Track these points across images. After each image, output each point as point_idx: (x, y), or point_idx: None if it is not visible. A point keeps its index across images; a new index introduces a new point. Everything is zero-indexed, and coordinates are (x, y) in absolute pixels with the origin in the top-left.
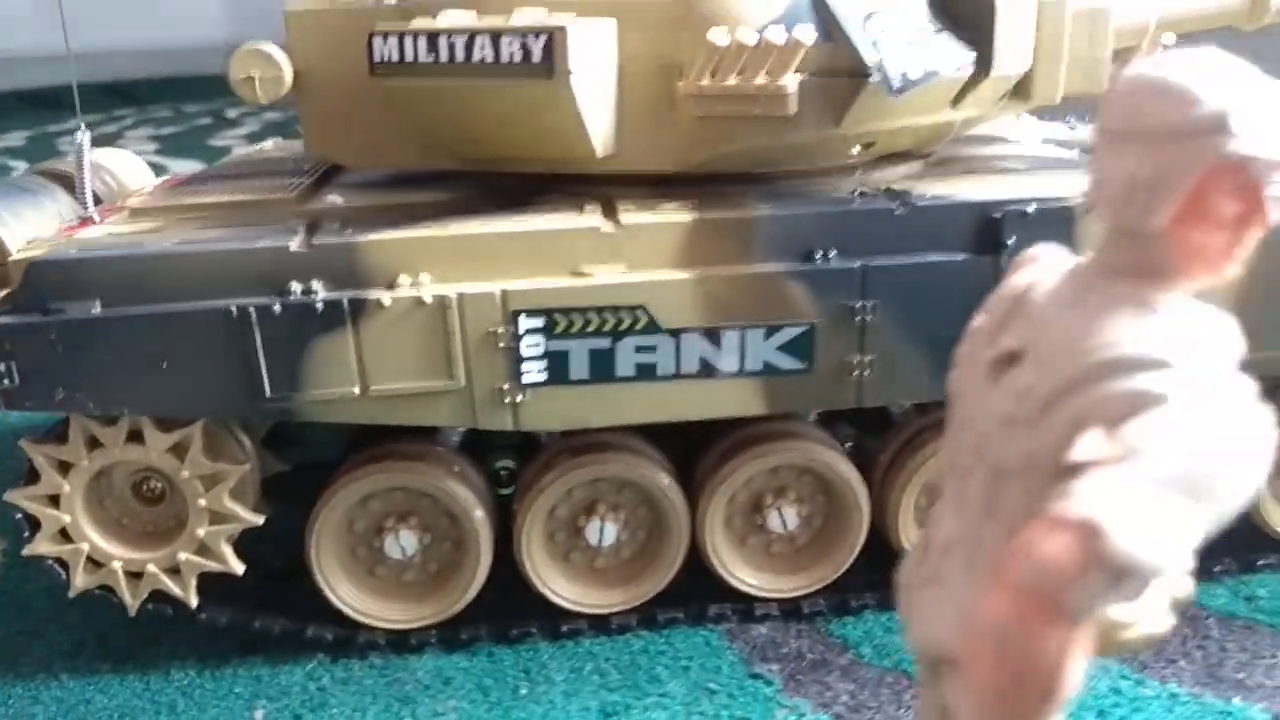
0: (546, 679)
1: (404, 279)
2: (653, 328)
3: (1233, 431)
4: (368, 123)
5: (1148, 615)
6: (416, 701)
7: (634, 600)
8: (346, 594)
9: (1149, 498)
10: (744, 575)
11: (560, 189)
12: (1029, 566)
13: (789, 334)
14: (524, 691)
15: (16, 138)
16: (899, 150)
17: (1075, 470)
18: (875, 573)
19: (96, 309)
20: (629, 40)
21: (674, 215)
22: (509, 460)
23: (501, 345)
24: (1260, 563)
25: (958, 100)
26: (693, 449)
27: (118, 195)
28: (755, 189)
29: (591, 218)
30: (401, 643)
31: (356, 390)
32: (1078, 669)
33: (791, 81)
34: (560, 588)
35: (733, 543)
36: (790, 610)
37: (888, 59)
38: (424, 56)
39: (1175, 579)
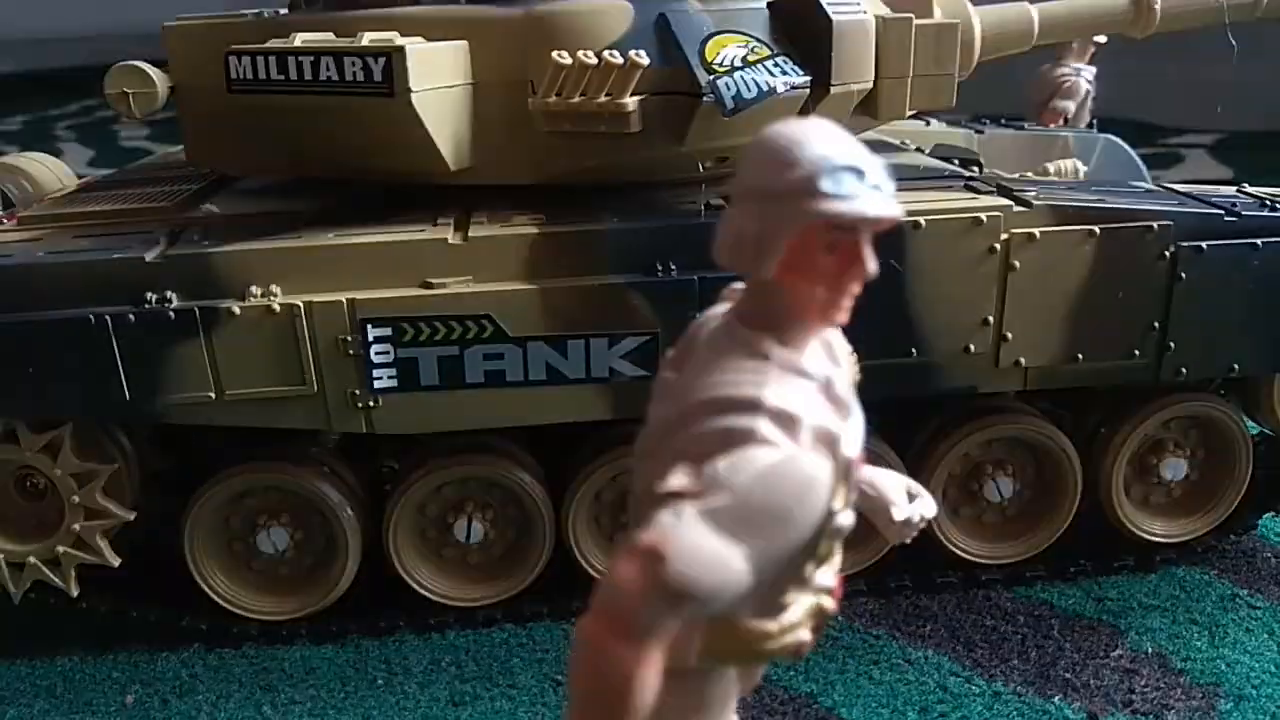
0: (405, 670)
1: (255, 289)
2: (500, 337)
3: (795, 477)
4: (239, 133)
5: (789, 628)
6: (278, 690)
7: (500, 594)
8: (220, 585)
9: (711, 530)
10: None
11: (425, 201)
12: (606, 588)
13: (632, 343)
14: (381, 682)
15: None
16: None
17: (661, 500)
18: None
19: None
20: (481, 60)
21: (520, 228)
22: (393, 461)
23: (351, 353)
24: (1117, 565)
25: (803, 116)
26: (567, 449)
27: (33, 200)
28: (611, 202)
29: (441, 230)
30: (273, 634)
31: (212, 395)
32: (649, 682)
33: (631, 101)
34: (429, 581)
35: (600, 540)
36: None
37: (720, 80)
38: (275, 75)
39: (819, 595)
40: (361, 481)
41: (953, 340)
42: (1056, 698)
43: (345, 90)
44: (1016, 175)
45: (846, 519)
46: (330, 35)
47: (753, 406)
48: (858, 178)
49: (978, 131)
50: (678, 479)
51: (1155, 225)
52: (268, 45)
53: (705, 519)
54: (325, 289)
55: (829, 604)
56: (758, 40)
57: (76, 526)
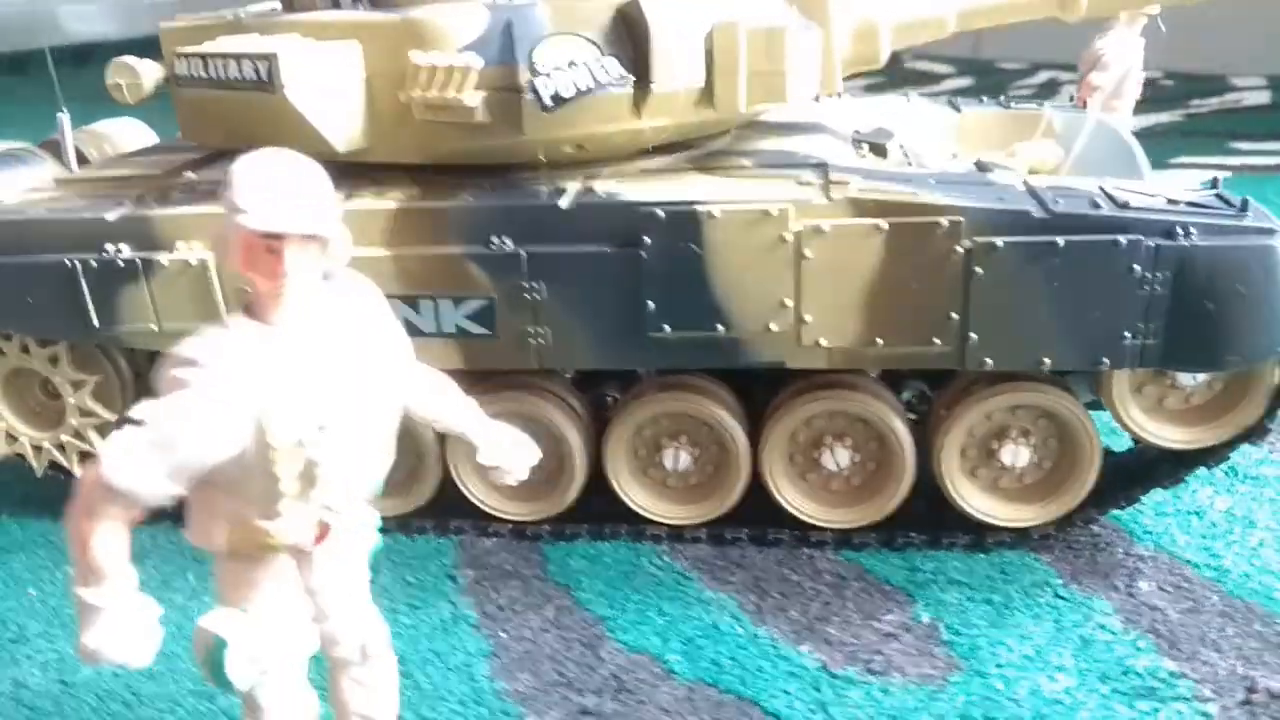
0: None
1: (180, 245)
2: None
3: (193, 415)
4: (198, 116)
5: (291, 531)
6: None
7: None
8: None
9: (138, 447)
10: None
11: (346, 176)
12: (79, 480)
13: (473, 305)
14: None
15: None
16: (655, 144)
17: (127, 423)
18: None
19: None
20: (372, 57)
21: (382, 203)
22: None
23: None
24: (948, 541)
25: (640, 110)
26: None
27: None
28: (475, 182)
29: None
30: None
31: (155, 327)
32: (100, 541)
33: (473, 96)
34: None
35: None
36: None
37: (539, 80)
38: (200, 74)
39: (323, 512)
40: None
41: (755, 319)
42: (804, 647)
43: (244, 87)
44: (948, 156)
45: (295, 461)
46: (256, 37)
47: (187, 360)
48: (267, 198)
49: (955, 110)
50: (137, 410)
51: (945, 220)
52: (197, 49)
53: (136, 439)
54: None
55: (331, 519)
56: (591, 43)
57: (74, 421)
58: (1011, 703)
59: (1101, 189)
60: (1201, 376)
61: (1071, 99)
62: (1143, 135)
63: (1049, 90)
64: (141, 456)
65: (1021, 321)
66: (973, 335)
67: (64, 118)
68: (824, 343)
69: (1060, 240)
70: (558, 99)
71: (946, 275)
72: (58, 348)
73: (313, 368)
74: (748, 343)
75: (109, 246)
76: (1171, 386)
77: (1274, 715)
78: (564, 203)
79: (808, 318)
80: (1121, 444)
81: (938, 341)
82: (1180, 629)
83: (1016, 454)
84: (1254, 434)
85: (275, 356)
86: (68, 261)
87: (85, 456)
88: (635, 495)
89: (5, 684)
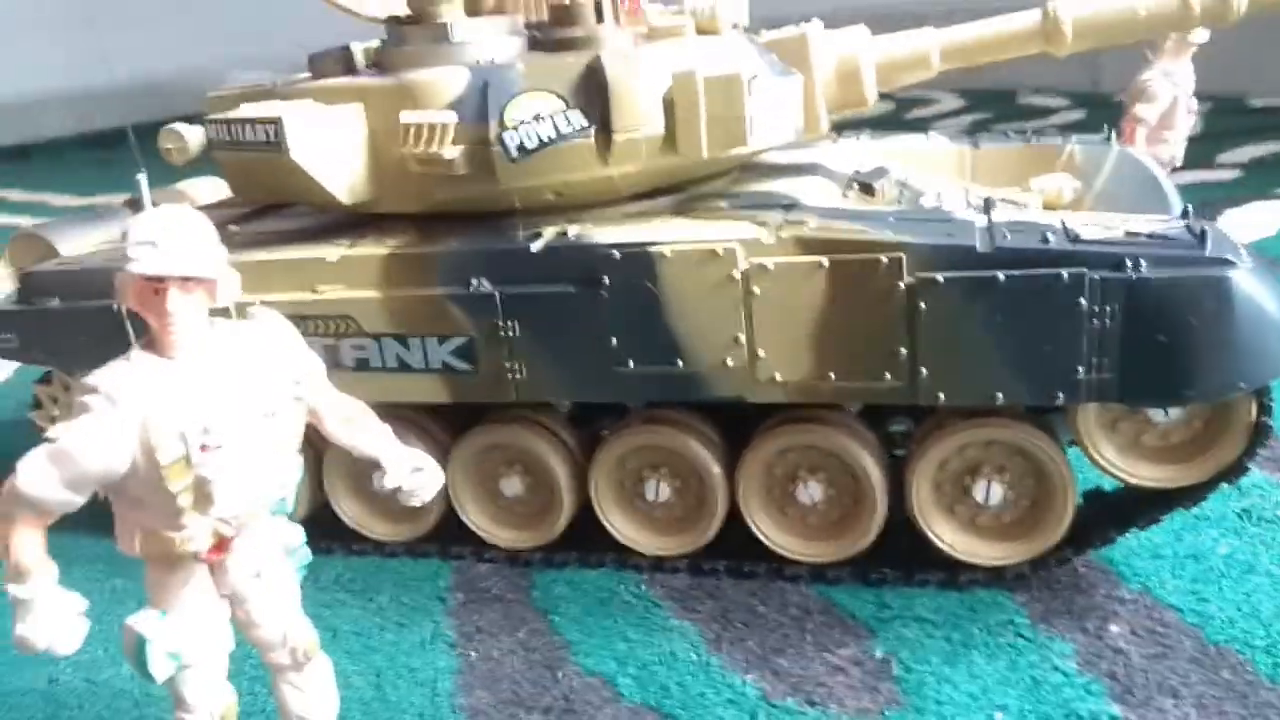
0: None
1: None
2: (361, 332)
3: (83, 435)
4: (237, 174)
5: (186, 540)
6: None
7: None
8: None
9: (45, 462)
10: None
11: (359, 225)
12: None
13: (456, 343)
14: None
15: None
16: (637, 189)
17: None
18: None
19: (55, 303)
20: (374, 117)
21: (375, 249)
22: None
23: None
24: (920, 577)
25: (606, 159)
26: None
27: None
28: (463, 229)
29: (331, 250)
30: None
31: None
32: (17, 543)
33: (452, 150)
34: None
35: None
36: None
37: (506, 134)
38: (226, 137)
39: (218, 524)
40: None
41: (711, 354)
42: (750, 676)
43: (260, 149)
44: (959, 192)
45: (184, 477)
46: (269, 103)
47: (90, 388)
48: (151, 247)
49: (975, 146)
50: (50, 429)
51: (885, 258)
52: (223, 115)
53: (46, 455)
54: (252, 291)
55: (226, 530)
56: (558, 97)
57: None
58: None
59: (1062, 223)
60: (1176, 413)
61: (1110, 131)
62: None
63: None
64: (45, 469)
65: (970, 356)
66: (922, 370)
67: (141, 177)
68: (779, 377)
69: (1000, 275)
70: (523, 150)
71: (891, 311)
72: None
73: (203, 394)
74: (707, 378)
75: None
76: (1147, 423)
77: None
78: (535, 246)
79: (761, 353)
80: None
81: (889, 376)
82: (1140, 674)
83: (990, 491)
84: (1232, 474)
85: (166, 384)
86: (114, 307)
87: None
88: (620, 525)
89: (40, 680)
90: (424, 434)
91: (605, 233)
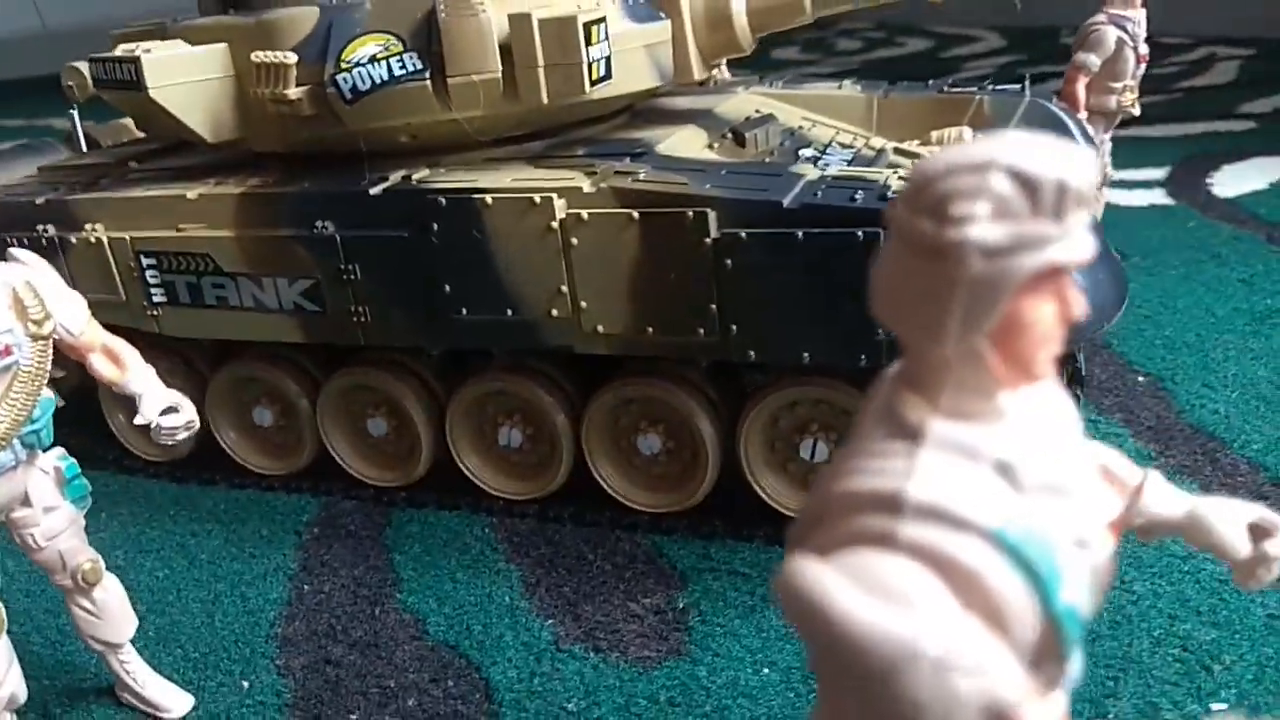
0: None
1: (90, 226)
2: (218, 271)
3: None
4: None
5: None
6: (171, 514)
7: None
8: (122, 426)
9: None
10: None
11: (230, 164)
12: None
13: (304, 284)
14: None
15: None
16: (496, 135)
17: None
18: None
19: None
20: (238, 57)
21: (231, 189)
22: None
23: (136, 275)
24: (748, 531)
25: (448, 102)
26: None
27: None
28: (321, 169)
29: (193, 188)
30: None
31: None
32: None
33: (295, 91)
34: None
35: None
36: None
37: (340, 75)
38: (104, 75)
39: None
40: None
41: (538, 304)
42: (550, 621)
43: (126, 87)
44: (860, 143)
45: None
46: (151, 43)
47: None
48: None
49: (885, 95)
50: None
51: (691, 212)
52: (102, 55)
53: None
54: (123, 228)
55: None
56: (398, 39)
57: None
58: (703, 690)
59: (885, 180)
60: None
61: (1026, 81)
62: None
63: (1202, 66)
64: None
65: (776, 314)
66: (732, 326)
67: (74, 113)
68: (601, 329)
69: (799, 233)
70: (356, 91)
71: (700, 266)
72: None
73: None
74: (536, 327)
75: (39, 226)
76: None
77: None
78: (374, 190)
79: (584, 304)
80: None
81: (701, 332)
82: None
83: (816, 449)
84: None
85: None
86: (8, 239)
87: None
88: (477, 469)
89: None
90: (297, 370)
91: (446, 178)
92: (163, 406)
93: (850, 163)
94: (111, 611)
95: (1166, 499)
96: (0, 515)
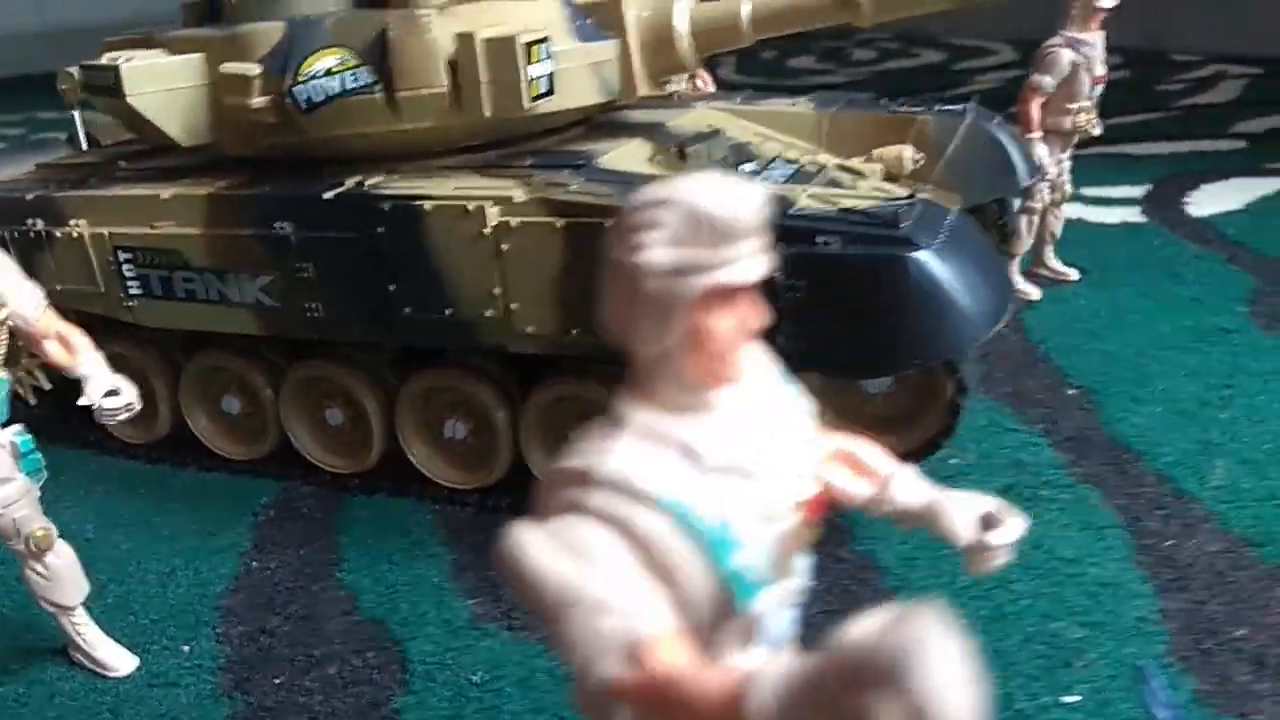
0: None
1: (75, 222)
2: (188, 266)
3: None
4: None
5: None
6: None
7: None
8: None
9: None
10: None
11: (203, 167)
12: None
13: (263, 280)
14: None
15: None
16: (446, 146)
17: None
18: None
19: None
20: (213, 66)
21: (198, 190)
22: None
23: (114, 268)
24: None
25: (398, 114)
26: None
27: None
28: (286, 174)
29: (169, 188)
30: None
31: (59, 287)
32: None
33: (258, 100)
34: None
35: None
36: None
37: (296, 87)
38: (90, 81)
39: None
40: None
41: (474, 305)
42: (472, 602)
43: (108, 93)
44: (807, 159)
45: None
46: (135, 51)
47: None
48: None
49: (836, 112)
50: None
51: (607, 223)
52: (89, 61)
53: None
54: (103, 224)
55: None
56: (353, 54)
57: (24, 360)
58: None
59: (794, 196)
60: (883, 385)
61: (969, 102)
62: (1261, 138)
63: (1208, 84)
64: None
65: None
66: None
67: (75, 113)
68: (531, 330)
69: None
70: (311, 103)
71: None
72: None
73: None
74: (473, 326)
75: (28, 220)
76: (866, 393)
77: None
78: (328, 195)
79: (514, 306)
80: None
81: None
82: None
83: None
84: (929, 449)
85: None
86: (3, 233)
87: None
88: (423, 459)
89: None
90: (263, 362)
91: (395, 185)
92: (105, 389)
93: (789, 178)
94: (62, 576)
95: (911, 490)
96: None
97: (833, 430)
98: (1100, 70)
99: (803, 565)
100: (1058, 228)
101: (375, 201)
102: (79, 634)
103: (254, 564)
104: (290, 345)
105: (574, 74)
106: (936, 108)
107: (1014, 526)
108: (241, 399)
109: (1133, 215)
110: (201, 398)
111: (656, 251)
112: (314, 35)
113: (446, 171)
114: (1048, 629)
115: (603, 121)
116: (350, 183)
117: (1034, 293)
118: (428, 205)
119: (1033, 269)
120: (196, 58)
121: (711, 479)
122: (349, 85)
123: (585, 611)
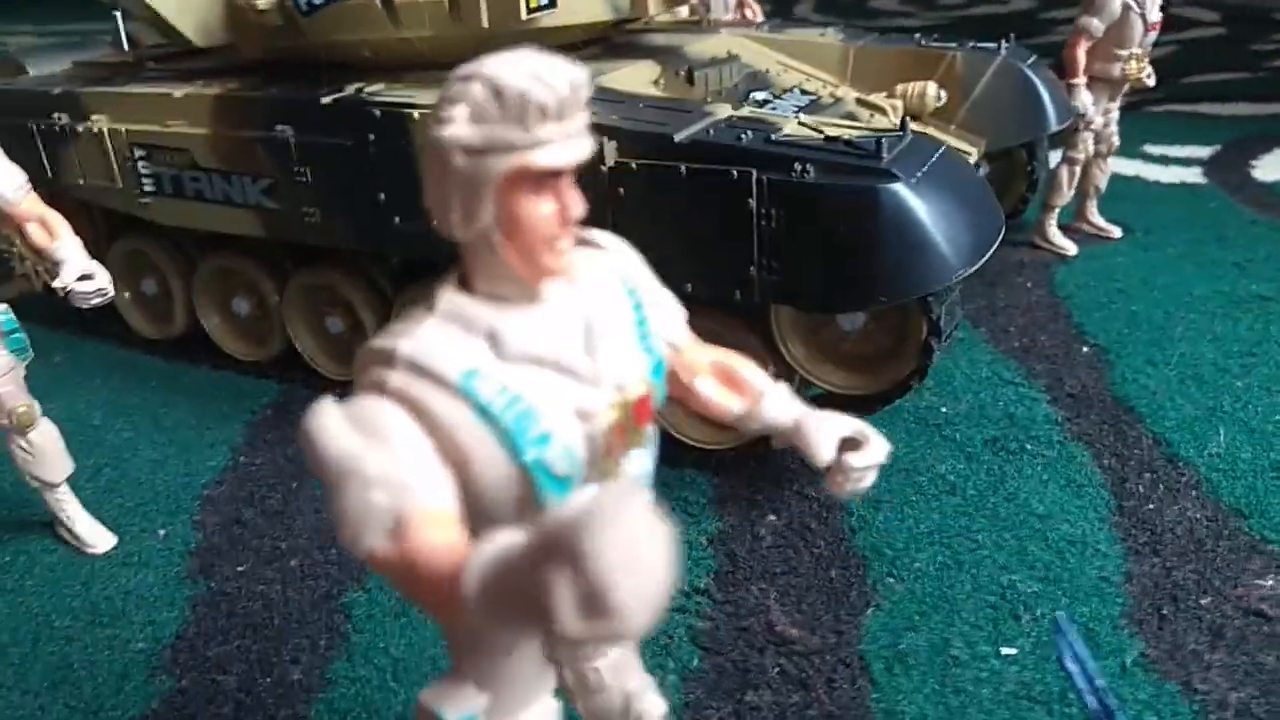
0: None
1: (95, 118)
2: (195, 166)
3: None
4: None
5: None
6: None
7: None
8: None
9: None
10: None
11: (217, 69)
12: None
13: (264, 183)
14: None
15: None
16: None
17: None
18: None
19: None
20: None
21: (208, 90)
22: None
23: (130, 165)
24: None
25: (398, 22)
26: None
27: None
28: (291, 76)
29: (182, 88)
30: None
31: (81, 180)
32: None
33: (263, 2)
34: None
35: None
36: None
37: None
38: None
39: None
40: None
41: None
42: None
43: None
44: (826, 91)
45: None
46: None
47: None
48: None
49: (863, 45)
50: None
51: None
52: None
53: None
54: (120, 121)
55: None
56: None
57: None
58: None
59: (783, 123)
60: (858, 322)
61: (1002, 40)
62: None
63: None
64: None
65: (661, 245)
66: None
67: (116, 13)
68: None
69: (683, 167)
70: (311, 5)
71: (597, 191)
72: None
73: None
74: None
75: (54, 114)
76: (842, 331)
77: None
78: (325, 99)
79: None
80: None
81: None
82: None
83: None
84: (902, 389)
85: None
86: (29, 124)
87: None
88: None
89: None
90: (270, 266)
91: (389, 93)
92: (79, 273)
93: (803, 108)
94: (45, 453)
95: (781, 408)
96: None
97: (708, 345)
98: (1155, 16)
99: (638, 466)
100: (1102, 182)
101: (368, 108)
102: (61, 509)
103: (242, 459)
104: (295, 250)
105: None
106: (970, 44)
107: (875, 450)
108: (250, 302)
109: (1192, 176)
110: (214, 298)
111: (460, 127)
112: None
113: (440, 84)
114: (1001, 580)
115: (620, 42)
116: (350, 89)
117: (1069, 247)
118: (415, 114)
119: (1074, 223)
120: None
121: (517, 368)
122: None
123: (359, 484)
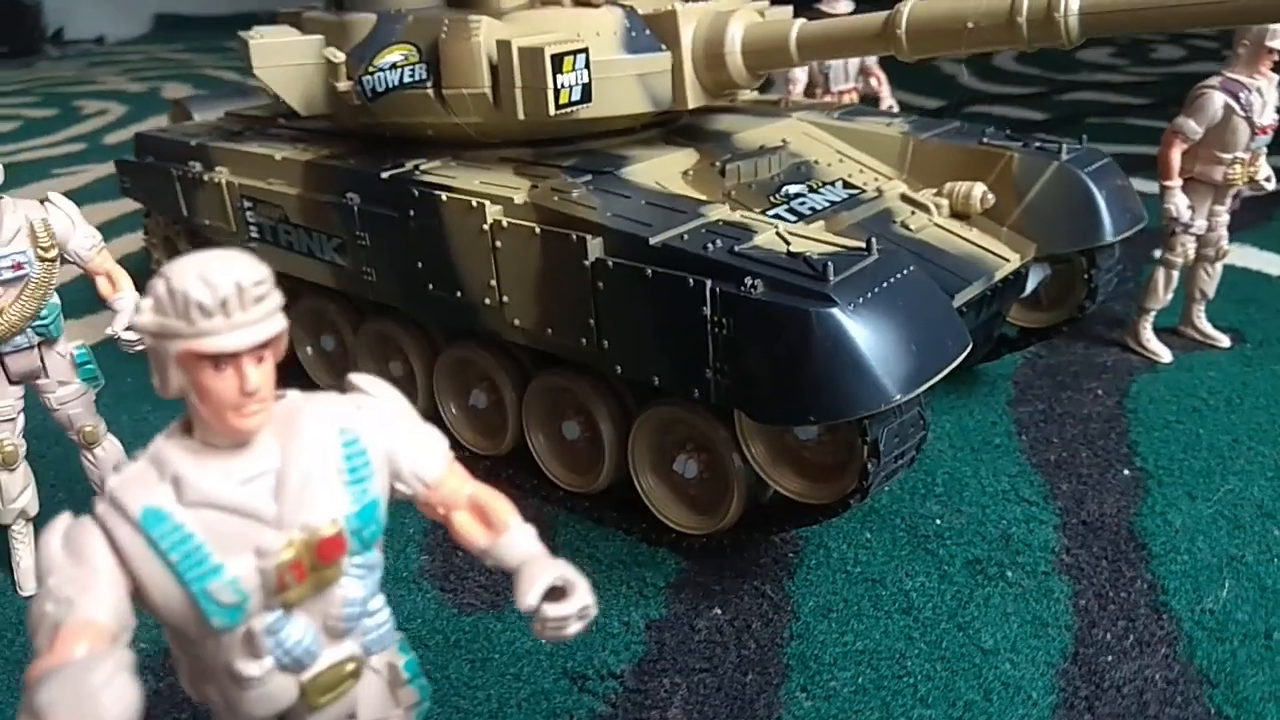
0: None
1: (218, 169)
2: (287, 221)
3: None
4: None
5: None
6: None
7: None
8: None
9: None
10: None
11: (319, 135)
12: None
13: (336, 241)
14: None
15: None
16: (505, 139)
17: None
18: None
19: (150, 160)
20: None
21: (300, 156)
22: None
23: (240, 213)
24: (628, 525)
25: (447, 109)
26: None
27: None
28: (374, 149)
29: (285, 151)
30: None
31: (207, 221)
32: None
33: (344, 84)
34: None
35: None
36: None
37: (364, 77)
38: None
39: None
40: None
41: (476, 292)
42: (425, 557)
43: (247, 64)
44: (871, 183)
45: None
46: (270, 28)
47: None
48: None
49: (925, 138)
50: None
51: (575, 236)
52: (243, 34)
53: None
54: (235, 175)
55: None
56: (418, 50)
57: None
58: (486, 641)
59: (761, 232)
60: (812, 432)
61: (1063, 143)
62: None
63: None
64: None
65: (636, 337)
66: (605, 342)
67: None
68: (518, 322)
69: (649, 270)
70: (375, 92)
71: (581, 284)
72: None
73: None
74: (475, 310)
75: (190, 162)
76: (798, 437)
77: None
78: (384, 174)
79: (505, 298)
80: None
81: (584, 341)
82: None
83: (686, 466)
84: (846, 504)
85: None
86: (170, 169)
87: None
88: (453, 419)
89: None
90: (349, 311)
91: (437, 173)
92: (128, 324)
93: (838, 203)
94: (108, 466)
95: (514, 548)
96: (28, 382)
97: (471, 481)
98: (1270, 119)
99: (350, 593)
100: (1210, 287)
101: (410, 186)
102: None
103: None
104: (366, 301)
105: (618, 83)
106: (1033, 144)
107: (574, 602)
108: (334, 339)
109: None
110: (305, 334)
111: (145, 315)
112: (393, 30)
113: (491, 164)
114: (912, 714)
115: (682, 124)
116: (409, 165)
117: (1163, 354)
118: (444, 196)
119: (1180, 327)
120: (317, 38)
121: (194, 511)
122: (406, 79)
123: (43, 594)
